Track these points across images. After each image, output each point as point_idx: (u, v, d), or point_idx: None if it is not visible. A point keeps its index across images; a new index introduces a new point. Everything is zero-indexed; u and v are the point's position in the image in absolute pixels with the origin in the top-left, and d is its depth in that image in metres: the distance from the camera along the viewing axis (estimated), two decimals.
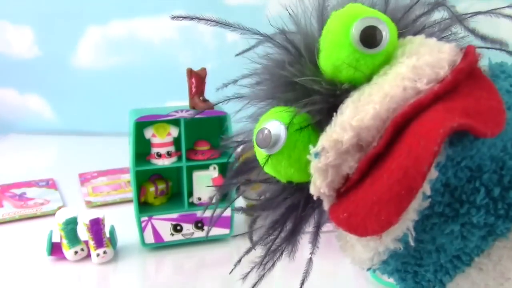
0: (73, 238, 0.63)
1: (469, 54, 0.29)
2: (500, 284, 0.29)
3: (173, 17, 0.36)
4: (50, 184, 0.90)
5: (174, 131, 0.64)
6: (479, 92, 0.28)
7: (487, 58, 0.32)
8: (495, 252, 0.30)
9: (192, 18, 0.36)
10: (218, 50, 1.15)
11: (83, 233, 0.63)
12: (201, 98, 0.65)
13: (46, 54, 1.19)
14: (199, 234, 0.67)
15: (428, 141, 0.25)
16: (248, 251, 0.38)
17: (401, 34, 0.32)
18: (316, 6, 0.33)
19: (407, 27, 0.32)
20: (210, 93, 0.67)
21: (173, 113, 0.63)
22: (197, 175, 0.65)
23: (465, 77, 0.28)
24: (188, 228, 0.66)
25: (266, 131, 0.31)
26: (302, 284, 0.40)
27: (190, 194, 0.66)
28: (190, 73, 0.65)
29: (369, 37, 0.29)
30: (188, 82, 0.65)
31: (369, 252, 0.31)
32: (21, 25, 1.18)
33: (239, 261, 0.39)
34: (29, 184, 0.90)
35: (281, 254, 0.37)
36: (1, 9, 1.17)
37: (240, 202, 0.72)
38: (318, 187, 0.30)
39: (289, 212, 0.35)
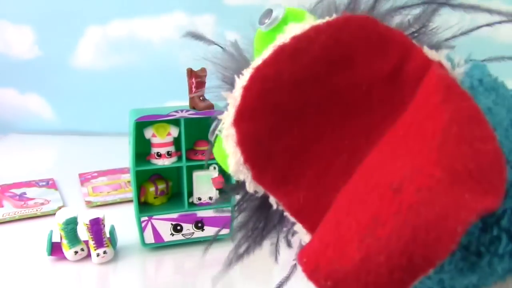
0: (73, 238, 0.63)
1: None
2: None
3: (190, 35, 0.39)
4: (50, 184, 0.90)
5: (174, 131, 0.64)
6: (469, 128, 0.23)
7: (454, 55, 0.29)
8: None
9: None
10: (218, 50, 1.15)
11: (83, 233, 0.63)
12: (201, 98, 0.65)
13: (46, 54, 1.19)
14: (199, 234, 0.67)
15: (442, 237, 0.20)
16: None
17: None
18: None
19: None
20: (210, 93, 0.67)
21: (173, 113, 0.63)
22: (197, 175, 0.65)
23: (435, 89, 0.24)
24: (188, 228, 0.66)
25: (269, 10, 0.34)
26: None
27: (190, 194, 0.66)
28: (190, 73, 0.65)
29: (264, 16, 0.33)
30: (188, 82, 0.65)
31: None
32: (21, 25, 1.18)
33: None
34: (29, 184, 0.90)
35: (245, 253, 0.38)
36: (1, 9, 1.17)
37: None
38: (229, 164, 0.30)
39: (256, 213, 0.35)
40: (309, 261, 0.24)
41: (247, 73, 0.29)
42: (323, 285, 0.22)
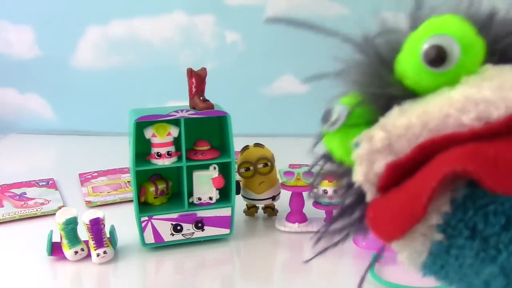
0: (73, 238, 0.63)
1: None
2: None
3: None
4: (50, 184, 0.90)
5: (174, 131, 0.64)
6: None
7: None
8: None
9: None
10: (218, 50, 1.15)
11: (83, 233, 0.63)
12: (201, 98, 0.65)
13: (46, 54, 1.19)
14: (199, 234, 0.67)
15: (432, 176, 0.26)
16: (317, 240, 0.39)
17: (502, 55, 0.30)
18: (409, 14, 0.32)
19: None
20: (210, 93, 0.67)
21: (173, 113, 0.63)
22: (197, 175, 0.65)
23: None
24: (188, 228, 0.66)
25: (329, 110, 0.33)
26: None
27: (190, 194, 0.66)
28: (190, 73, 0.65)
29: (436, 55, 0.28)
30: (188, 82, 0.65)
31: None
32: (21, 25, 1.18)
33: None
34: (29, 184, 0.90)
35: (344, 238, 0.37)
36: (1, 9, 1.17)
37: (241, 202, 0.73)
38: (357, 174, 0.30)
39: (357, 202, 0.35)
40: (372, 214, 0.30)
41: (429, 124, 0.28)
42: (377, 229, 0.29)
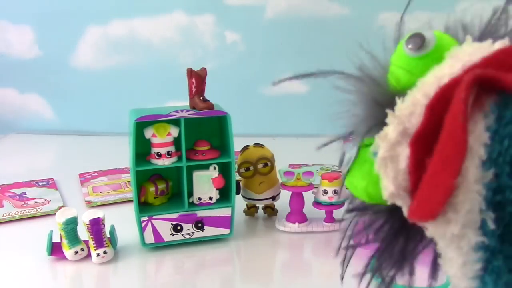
0: (73, 238, 0.63)
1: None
2: None
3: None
4: (50, 184, 0.90)
5: (174, 131, 0.64)
6: None
7: None
8: None
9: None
10: (218, 50, 1.16)
11: (83, 233, 0.63)
12: (201, 98, 0.65)
13: (46, 54, 1.19)
14: (199, 234, 0.67)
15: (457, 93, 0.26)
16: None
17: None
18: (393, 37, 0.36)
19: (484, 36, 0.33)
20: (210, 93, 0.67)
21: (173, 113, 0.63)
22: (197, 175, 0.65)
23: None
24: (188, 228, 0.66)
25: (343, 154, 0.34)
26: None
27: (190, 194, 0.66)
28: (190, 73, 0.65)
29: (416, 42, 0.32)
30: (188, 82, 0.65)
31: (457, 258, 0.29)
32: (21, 25, 1.18)
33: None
34: (29, 184, 0.90)
35: (393, 278, 0.36)
36: (1, 9, 1.17)
37: (241, 202, 0.73)
38: (386, 187, 0.30)
39: (392, 239, 0.35)
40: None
41: (429, 91, 0.29)
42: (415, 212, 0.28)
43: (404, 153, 0.29)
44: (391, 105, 0.31)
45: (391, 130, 0.30)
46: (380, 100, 0.32)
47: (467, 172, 0.27)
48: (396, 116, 0.30)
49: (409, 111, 0.29)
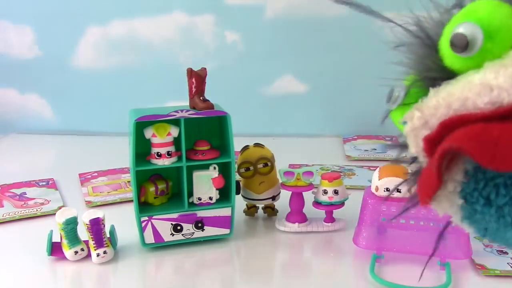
0: (73, 238, 0.63)
1: None
2: None
3: None
4: (50, 184, 0.90)
5: (174, 131, 0.64)
6: None
7: None
8: None
9: None
10: (218, 50, 1.15)
11: (83, 233, 0.63)
12: (201, 98, 0.65)
13: (46, 54, 1.19)
14: (199, 234, 0.67)
15: (438, 152, 0.30)
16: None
17: None
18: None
19: None
20: (210, 93, 0.67)
21: (173, 113, 0.63)
22: (197, 175, 0.65)
23: None
24: (188, 228, 0.66)
25: (392, 90, 0.36)
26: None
27: (190, 194, 0.66)
28: (190, 73, 0.65)
29: (458, 42, 0.31)
30: (188, 82, 0.65)
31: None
32: (21, 25, 1.18)
33: None
34: (29, 184, 0.90)
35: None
36: (1, 9, 1.17)
37: (241, 202, 0.73)
38: (410, 147, 0.34)
39: None
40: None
41: (452, 102, 0.31)
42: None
43: (423, 133, 0.33)
44: (441, 72, 0.33)
45: (415, 118, 0.33)
46: (431, 65, 0.34)
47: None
48: (421, 110, 0.33)
49: (431, 112, 0.32)
